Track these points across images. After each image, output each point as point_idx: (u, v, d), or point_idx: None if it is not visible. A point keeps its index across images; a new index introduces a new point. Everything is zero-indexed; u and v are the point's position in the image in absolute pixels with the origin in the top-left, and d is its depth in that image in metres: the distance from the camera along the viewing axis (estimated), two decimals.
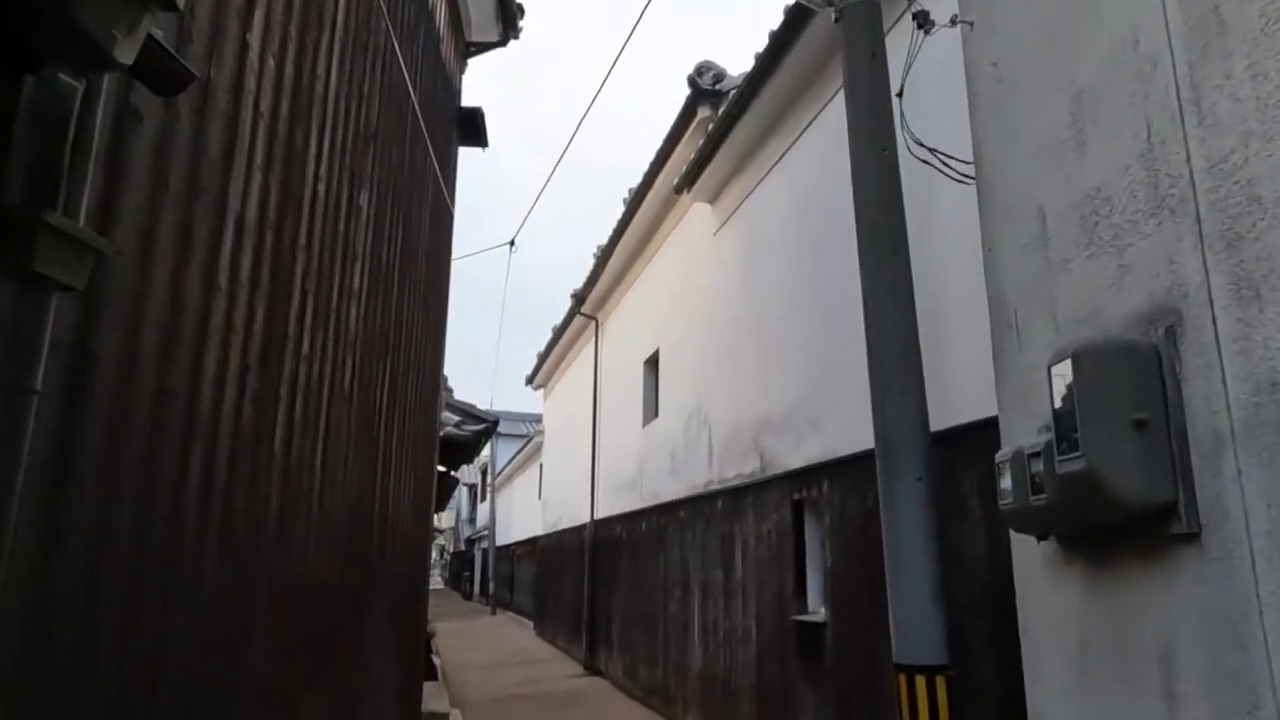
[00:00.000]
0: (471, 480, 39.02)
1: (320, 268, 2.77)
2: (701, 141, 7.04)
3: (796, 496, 5.36)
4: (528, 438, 21.30)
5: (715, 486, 6.88)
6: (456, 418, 5.95)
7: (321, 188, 2.76)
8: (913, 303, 3.06)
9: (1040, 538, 1.80)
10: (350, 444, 3.19)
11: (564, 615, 13.48)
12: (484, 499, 31.57)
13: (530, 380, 18.03)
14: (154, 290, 1.63)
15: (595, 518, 11.50)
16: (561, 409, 15.93)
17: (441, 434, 5.72)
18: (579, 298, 12.21)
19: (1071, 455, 1.50)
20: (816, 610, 5.17)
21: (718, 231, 7.42)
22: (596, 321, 12.46)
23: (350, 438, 3.19)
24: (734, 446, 6.56)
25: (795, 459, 5.44)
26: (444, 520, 50.24)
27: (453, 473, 7.30)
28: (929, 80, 3.14)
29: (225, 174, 1.97)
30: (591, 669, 10.91)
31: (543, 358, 16.16)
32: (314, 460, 2.74)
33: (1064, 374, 1.56)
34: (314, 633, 2.87)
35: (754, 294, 6.49)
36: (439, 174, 5.26)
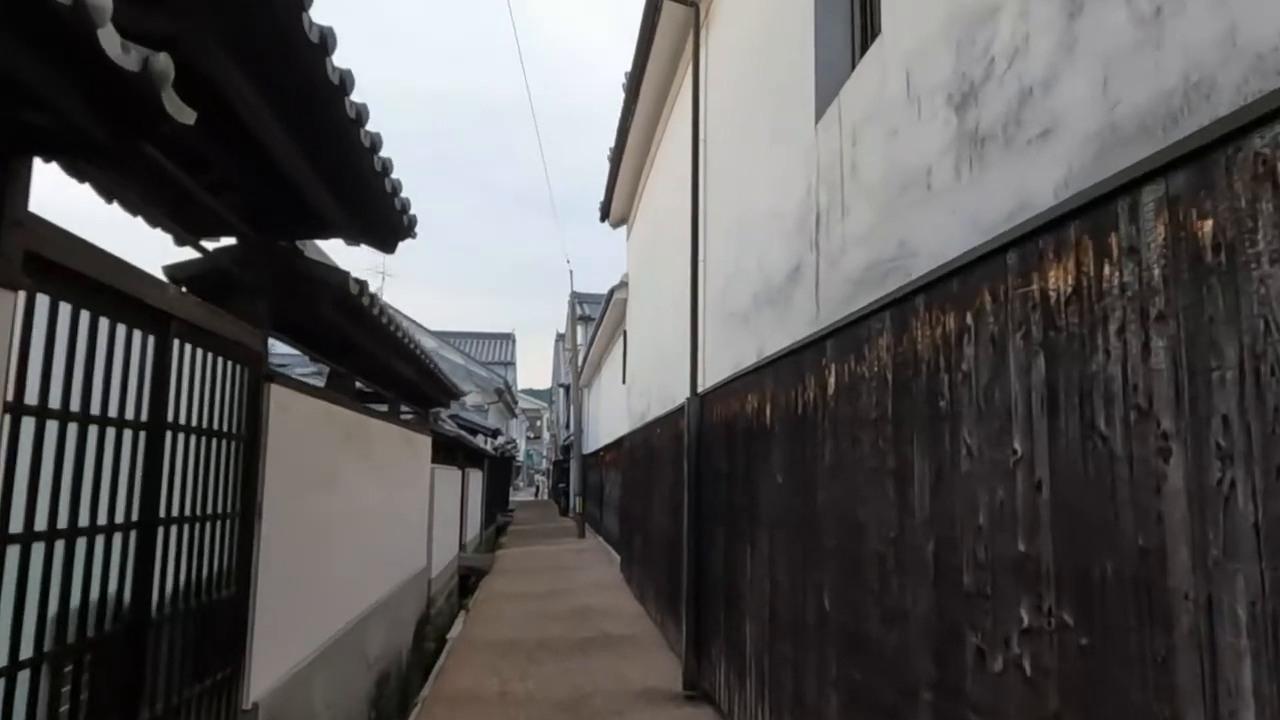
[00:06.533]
0: (565, 381, 34.44)
1: None
2: None
3: None
4: (602, 315, 15.69)
5: None
6: None
7: None
8: None
9: None
10: None
11: (655, 559, 8.07)
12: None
13: (604, 212, 12.30)
14: None
15: (701, 389, 5.80)
16: (648, 226, 10.18)
17: None
18: None
19: None
20: None
21: None
22: (697, 9, 6.43)
23: None
24: None
25: None
26: (551, 429, 46.53)
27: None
28: None
29: None
30: (698, 690, 5.42)
31: (615, 159, 10.31)
32: None
33: None
34: None
35: None
36: None
